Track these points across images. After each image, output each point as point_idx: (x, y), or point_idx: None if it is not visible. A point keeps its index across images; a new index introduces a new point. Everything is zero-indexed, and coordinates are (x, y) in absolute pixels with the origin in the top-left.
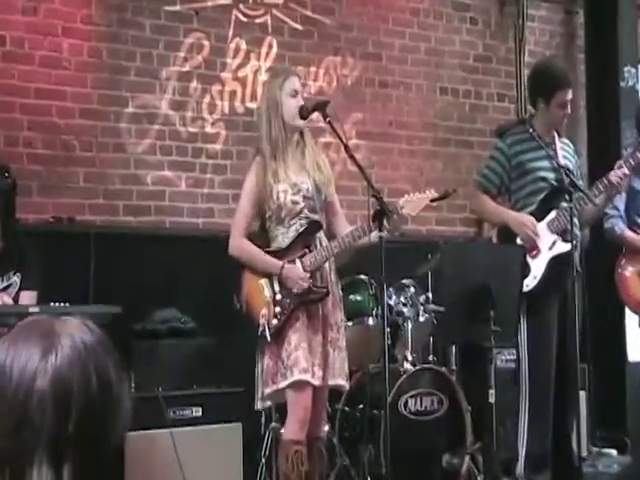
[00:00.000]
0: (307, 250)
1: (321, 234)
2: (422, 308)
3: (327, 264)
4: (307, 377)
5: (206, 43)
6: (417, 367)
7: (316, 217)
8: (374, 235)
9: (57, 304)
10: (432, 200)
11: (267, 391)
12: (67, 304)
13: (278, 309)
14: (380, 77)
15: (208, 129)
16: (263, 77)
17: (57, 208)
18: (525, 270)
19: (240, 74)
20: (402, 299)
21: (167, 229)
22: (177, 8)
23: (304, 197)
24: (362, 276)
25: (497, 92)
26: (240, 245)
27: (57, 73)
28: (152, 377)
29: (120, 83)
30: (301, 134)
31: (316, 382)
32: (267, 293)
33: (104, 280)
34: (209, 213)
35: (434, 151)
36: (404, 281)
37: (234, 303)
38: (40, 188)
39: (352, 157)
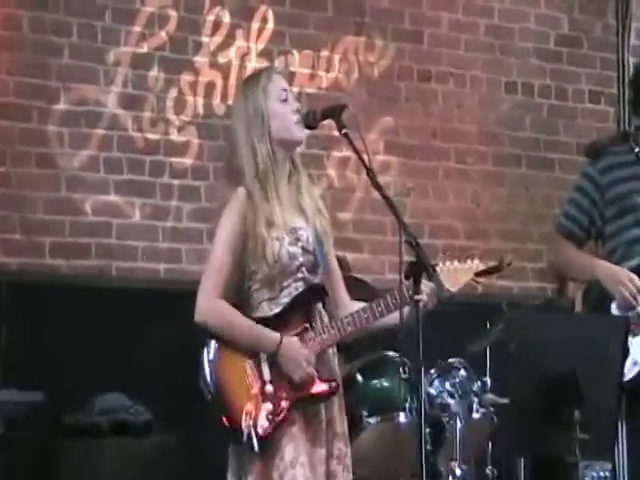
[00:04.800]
0: (308, 325)
1: (320, 307)
2: (477, 400)
3: (330, 350)
4: None
5: (173, 14)
6: None
7: (316, 280)
8: (408, 310)
9: None
10: (478, 274)
11: None
12: None
13: (269, 406)
14: (420, 66)
15: (174, 136)
16: (253, 64)
17: None
18: (625, 352)
19: (221, 59)
20: (448, 387)
21: (113, 278)
22: None
23: (303, 250)
24: (391, 353)
25: (589, 89)
26: (213, 308)
27: None
28: None
29: (48, 68)
30: (291, 160)
31: None
32: (252, 381)
33: (20, 352)
34: (174, 256)
35: (496, 173)
36: (451, 361)
37: (202, 390)
38: None
39: (377, 186)
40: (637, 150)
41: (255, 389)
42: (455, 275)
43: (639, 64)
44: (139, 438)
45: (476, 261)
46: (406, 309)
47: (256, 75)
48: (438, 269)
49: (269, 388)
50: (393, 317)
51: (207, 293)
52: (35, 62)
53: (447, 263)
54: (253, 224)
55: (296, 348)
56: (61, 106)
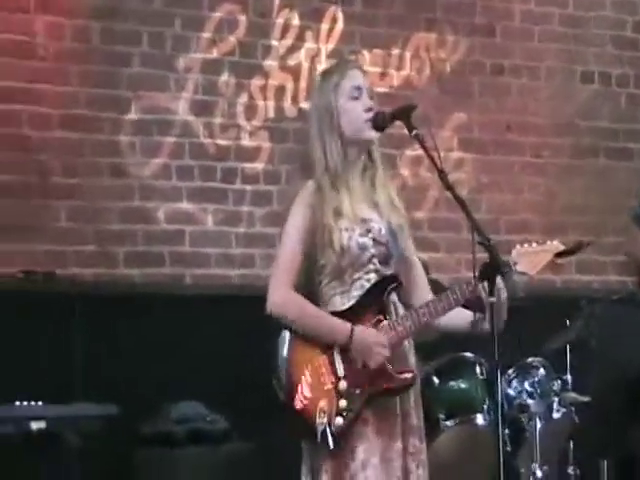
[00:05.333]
0: (382, 317)
1: (396, 299)
2: (557, 399)
3: (407, 340)
4: None
5: (242, 18)
6: None
7: (389, 272)
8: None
9: (25, 404)
10: (558, 255)
11: None
12: (40, 403)
13: (344, 403)
14: (493, 60)
15: (245, 141)
16: (324, 65)
17: (28, 258)
18: None
19: (291, 62)
20: (527, 386)
21: (188, 286)
22: None
23: (375, 241)
24: (467, 354)
25: None
26: (285, 299)
27: (26, 65)
28: None
29: (118, 78)
30: (369, 154)
31: None
32: (326, 378)
33: (95, 363)
34: (247, 261)
35: (574, 166)
36: (530, 360)
37: (274, 388)
38: (3, 231)
39: (449, 187)
40: None
41: (329, 385)
42: (534, 258)
43: None
44: (216, 447)
45: (555, 242)
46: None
47: (331, 70)
48: (515, 252)
49: (343, 384)
50: (466, 318)
51: (279, 284)
52: (105, 73)
53: (525, 246)
54: (321, 215)
55: (368, 335)
56: (132, 115)
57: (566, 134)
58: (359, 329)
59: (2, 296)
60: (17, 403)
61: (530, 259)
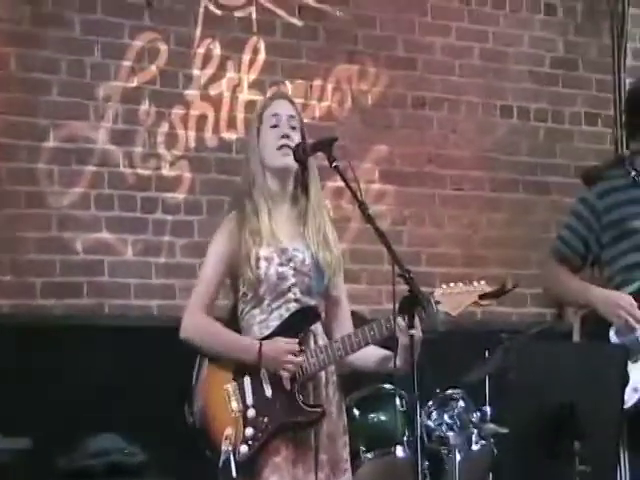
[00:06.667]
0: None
1: (317, 328)
2: (476, 431)
3: (324, 373)
4: None
5: (163, 47)
6: None
7: (312, 303)
8: (402, 341)
9: None
10: (482, 297)
11: None
12: None
13: (250, 431)
14: (414, 93)
15: (166, 171)
16: (245, 95)
17: None
18: (625, 380)
19: (212, 91)
20: (447, 418)
21: (106, 316)
22: None
23: (296, 271)
24: (387, 385)
25: (586, 112)
26: (195, 323)
27: None
28: None
29: (36, 105)
30: (305, 186)
31: None
32: (234, 405)
33: (9, 395)
34: (167, 293)
35: (494, 199)
36: (450, 392)
37: (186, 417)
38: None
39: (370, 219)
40: (633, 174)
41: (236, 412)
42: (458, 298)
43: (631, 88)
44: None
45: (482, 282)
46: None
47: (261, 102)
48: (439, 292)
49: (251, 412)
50: (388, 360)
51: (190, 309)
52: (24, 100)
53: (451, 285)
54: (240, 243)
55: (276, 346)
56: (51, 144)
57: (486, 167)
58: (267, 342)
59: None
60: None
61: (453, 299)
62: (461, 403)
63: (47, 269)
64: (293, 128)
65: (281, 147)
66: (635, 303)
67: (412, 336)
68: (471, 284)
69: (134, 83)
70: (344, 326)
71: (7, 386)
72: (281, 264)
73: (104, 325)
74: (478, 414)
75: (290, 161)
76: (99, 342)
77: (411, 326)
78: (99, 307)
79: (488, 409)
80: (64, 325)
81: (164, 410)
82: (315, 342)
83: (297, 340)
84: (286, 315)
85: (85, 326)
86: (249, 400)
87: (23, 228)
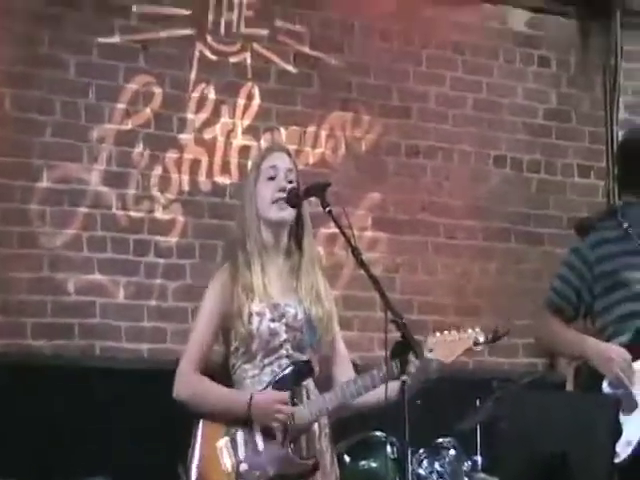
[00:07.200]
0: (291, 402)
1: (310, 383)
2: None
3: (317, 426)
4: None
5: (157, 90)
6: None
7: (303, 358)
8: (393, 388)
9: None
10: (476, 344)
11: None
12: None
13: None
14: (408, 141)
15: (159, 214)
16: (239, 141)
17: None
18: (617, 432)
19: (206, 136)
20: (438, 467)
21: (96, 358)
22: (116, 40)
23: (288, 326)
24: (378, 433)
25: (578, 163)
26: (187, 382)
27: None
28: None
29: (30, 146)
30: (297, 240)
31: None
32: (227, 460)
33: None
34: (158, 336)
35: (487, 248)
36: (440, 440)
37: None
38: None
39: (363, 264)
40: (625, 225)
41: (229, 468)
42: (451, 346)
43: (622, 141)
44: None
45: (476, 329)
46: (392, 386)
47: (258, 153)
48: (432, 339)
49: (243, 467)
50: (377, 395)
51: (182, 368)
52: (17, 140)
53: (444, 332)
54: (233, 297)
55: (266, 397)
56: (44, 184)
57: (479, 217)
58: (257, 394)
59: None
60: None
61: (446, 347)
62: (452, 452)
63: (38, 309)
64: (290, 182)
65: (277, 200)
66: (629, 357)
67: (404, 382)
68: (464, 331)
69: (128, 126)
70: (344, 371)
71: None
72: (273, 320)
73: (94, 367)
74: (469, 463)
75: (286, 215)
76: (89, 384)
77: (403, 372)
78: (90, 348)
79: (479, 458)
80: (54, 366)
81: (151, 453)
82: (308, 397)
83: (289, 392)
84: (278, 371)
85: (75, 368)
86: (241, 454)
87: (15, 268)
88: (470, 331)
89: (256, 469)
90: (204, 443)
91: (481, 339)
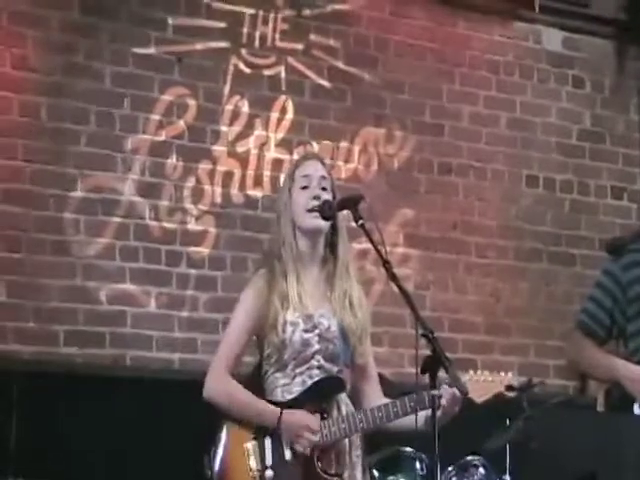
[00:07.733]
0: (320, 415)
1: (343, 397)
2: None
3: (347, 441)
4: None
5: (192, 102)
6: None
7: (335, 370)
8: (423, 414)
9: None
10: (508, 388)
11: None
12: None
13: None
14: (441, 159)
15: (191, 225)
16: (272, 154)
17: None
18: None
19: (239, 148)
20: None
21: (127, 368)
22: (151, 51)
23: (321, 337)
24: (408, 449)
25: (612, 185)
26: (219, 384)
27: None
28: None
29: (65, 155)
30: (332, 247)
31: None
32: (253, 464)
33: (32, 442)
34: (189, 346)
35: (517, 268)
36: (470, 458)
37: (205, 469)
38: None
39: (394, 278)
40: None
41: (254, 472)
42: (483, 385)
43: None
44: None
45: (509, 374)
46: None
47: (293, 162)
48: (466, 378)
49: (269, 473)
50: (410, 422)
51: (214, 369)
52: (52, 149)
53: (478, 372)
54: (268, 304)
55: (297, 419)
56: (78, 193)
57: (510, 236)
58: (288, 412)
59: None
60: None
61: (480, 386)
62: (481, 470)
63: (71, 318)
64: (324, 189)
65: (312, 209)
66: None
67: (434, 397)
68: (498, 374)
69: (162, 137)
70: (373, 390)
71: (33, 433)
72: (306, 330)
73: (125, 376)
74: None
75: (321, 223)
76: (120, 393)
77: (433, 386)
78: (121, 358)
79: (508, 477)
80: (86, 374)
81: (184, 463)
82: (339, 410)
83: (319, 416)
84: (309, 382)
85: (106, 376)
86: (268, 461)
87: (48, 276)
88: (503, 374)
89: (281, 478)
90: (232, 441)
91: (515, 385)
